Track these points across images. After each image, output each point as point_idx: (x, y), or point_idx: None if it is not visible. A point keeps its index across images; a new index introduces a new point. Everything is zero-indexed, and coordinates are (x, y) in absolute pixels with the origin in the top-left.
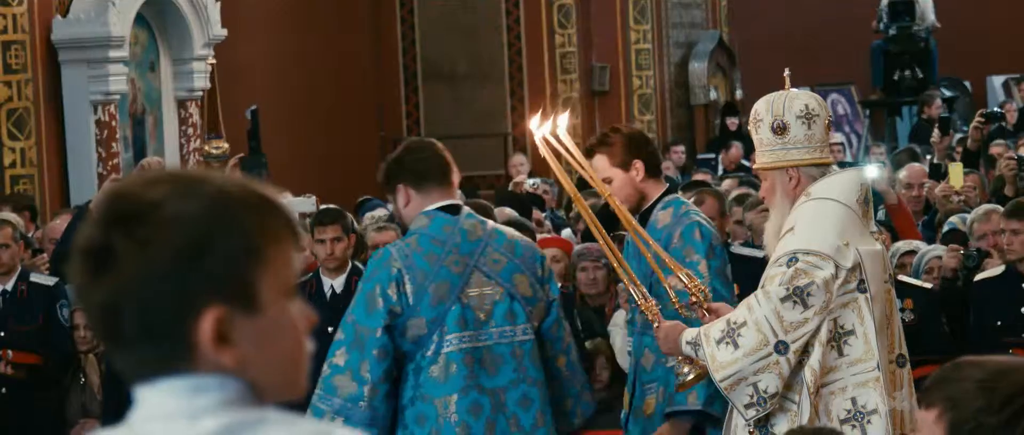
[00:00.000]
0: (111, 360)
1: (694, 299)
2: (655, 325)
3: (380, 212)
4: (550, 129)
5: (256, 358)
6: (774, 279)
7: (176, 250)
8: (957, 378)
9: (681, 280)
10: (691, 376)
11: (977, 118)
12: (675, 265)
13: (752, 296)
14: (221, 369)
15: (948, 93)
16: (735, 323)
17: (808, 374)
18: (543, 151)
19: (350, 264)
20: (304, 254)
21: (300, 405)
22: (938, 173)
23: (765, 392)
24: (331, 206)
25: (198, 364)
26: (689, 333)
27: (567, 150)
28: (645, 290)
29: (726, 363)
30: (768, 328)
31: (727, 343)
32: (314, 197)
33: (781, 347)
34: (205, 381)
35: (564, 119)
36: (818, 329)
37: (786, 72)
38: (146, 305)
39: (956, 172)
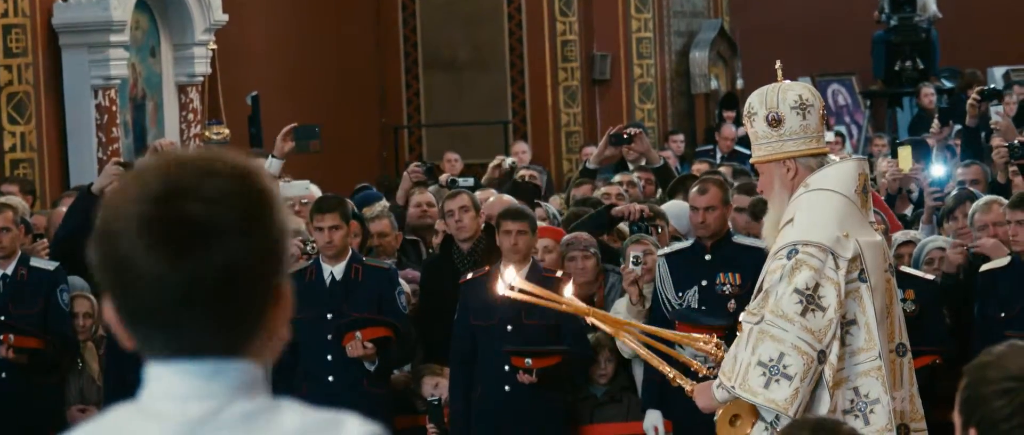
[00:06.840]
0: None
1: (714, 361)
2: (688, 390)
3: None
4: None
5: (272, 342)
6: (775, 273)
7: (277, 230)
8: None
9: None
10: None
11: (973, 95)
12: (685, 338)
13: (760, 326)
14: (271, 348)
15: (948, 84)
16: (771, 359)
17: (826, 369)
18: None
19: (350, 252)
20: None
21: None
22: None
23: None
24: (330, 194)
25: (253, 344)
26: (714, 383)
27: (533, 295)
28: (669, 369)
29: (789, 397)
30: (806, 346)
31: (777, 380)
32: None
33: (821, 356)
34: (224, 366)
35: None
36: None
37: (778, 64)
38: (248, 281)
39: (904, 155)
